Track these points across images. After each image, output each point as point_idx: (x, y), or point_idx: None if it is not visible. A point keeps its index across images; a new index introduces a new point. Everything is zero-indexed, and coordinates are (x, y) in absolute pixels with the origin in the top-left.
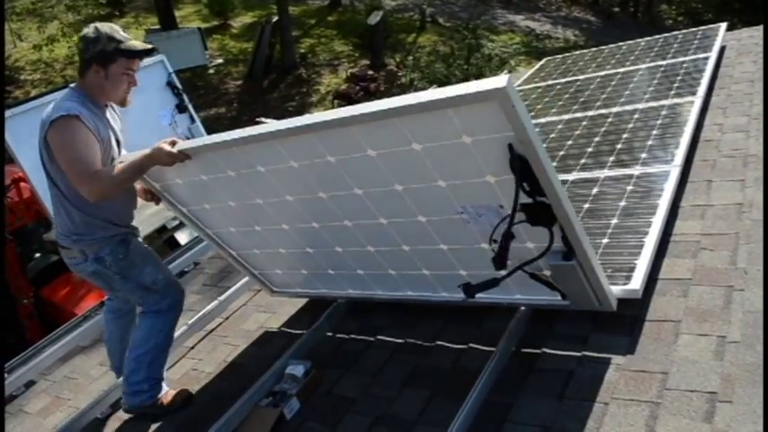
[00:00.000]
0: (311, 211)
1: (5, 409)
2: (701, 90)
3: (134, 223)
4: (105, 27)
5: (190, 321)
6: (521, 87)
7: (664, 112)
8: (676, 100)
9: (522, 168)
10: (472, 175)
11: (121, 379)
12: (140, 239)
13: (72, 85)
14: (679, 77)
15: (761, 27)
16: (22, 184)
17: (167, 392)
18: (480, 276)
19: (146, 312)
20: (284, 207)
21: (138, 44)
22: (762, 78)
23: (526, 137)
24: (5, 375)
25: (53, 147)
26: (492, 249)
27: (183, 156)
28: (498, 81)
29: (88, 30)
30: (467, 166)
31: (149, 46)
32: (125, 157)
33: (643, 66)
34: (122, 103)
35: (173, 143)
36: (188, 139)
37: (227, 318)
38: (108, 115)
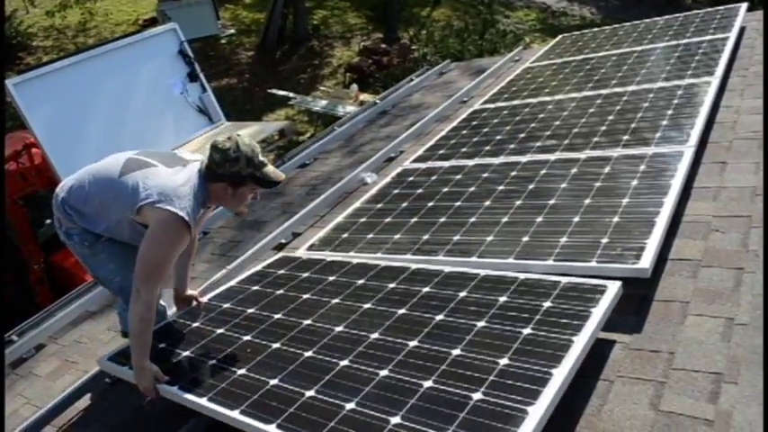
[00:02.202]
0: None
1: (16, 372)
2: (719, 71)
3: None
4: (246, 148)
5: (198, 289)
6: (535, 64)
7: (680, 92)
8: (693, 80)
9: None
10: None
11: None
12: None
13: (200, 169)
14: (697, 57)
15: None
16: (34, 150)
17: None
18: None
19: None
20: None
21: (272, 173)
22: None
23: None
24: (16, 338)
25: (153, 224)
26: None
27: (152, 394)
28: None
29: (228, 144)
30: None
31: (282, 176)
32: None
33: (660, 45)
34: (239, 215)
35: (158, 379)
36: (199, 108)
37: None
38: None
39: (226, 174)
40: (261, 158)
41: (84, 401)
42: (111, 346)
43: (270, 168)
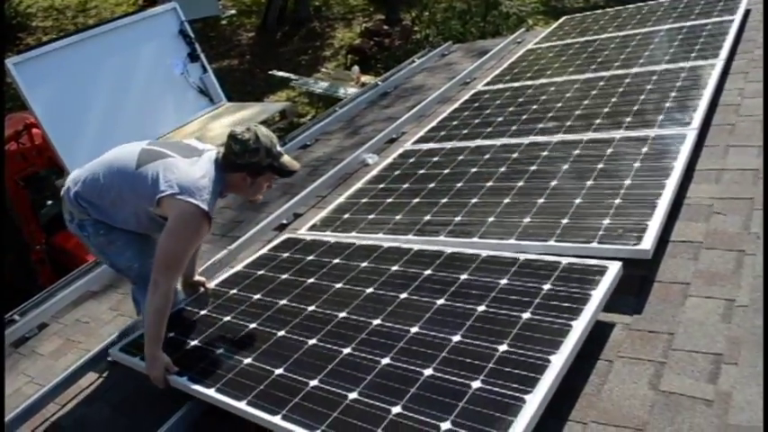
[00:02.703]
0: None
1: (18, 350)
2: (723, 53)
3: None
4: (265, 138)
5: (200, 269)
6: (538, 46)
7: (683, 75)
8: (697, 62)
9: None
10: None
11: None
12: None
13: (216, 159)
14: (701, 39)
15: None
16: (35, 130)
17: None
18: None
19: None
20: None
21: (289, 163)
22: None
23: None
24: (18, 318)
25: (173, 216)
26: None
27: (162, 384)
28: None
29: (248, 135)
30: None
31: (298, 166)
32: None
33: (665, 27)
34: (252, 203)
35: (168, 369)
36: (200, 89)
37: (232, 267)
38: None
39: (245, 164)
40: (278, 148)
41: (87, 380)
42: (113, 326)
43: (286, 158)
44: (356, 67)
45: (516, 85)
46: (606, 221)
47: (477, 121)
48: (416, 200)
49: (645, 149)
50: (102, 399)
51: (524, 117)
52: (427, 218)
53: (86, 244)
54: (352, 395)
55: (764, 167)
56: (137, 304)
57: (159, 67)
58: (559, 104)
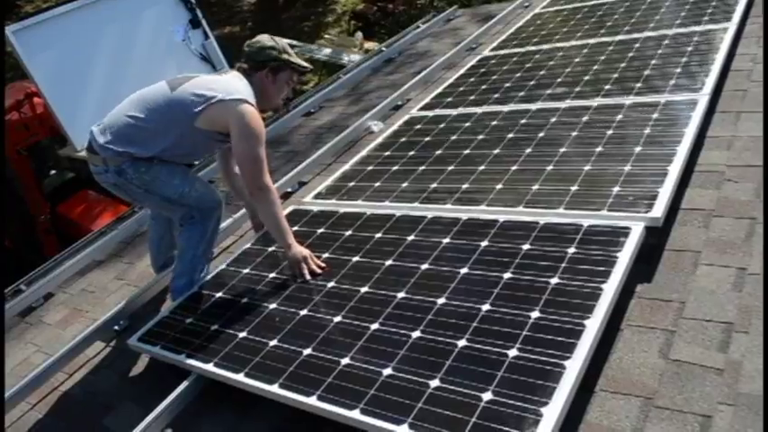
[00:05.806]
0: None
1: (26, 320)
2: (736, 17)
3: None
4: (278, 39)
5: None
6: (545, 10)
7: (695, 39)
8: (709, 26)
9: None
10: None
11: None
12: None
13: (239, 69)
14: (713, 3)
15: None
16: (36, 99)
17: None
18: None
19: (180, 225)
20: None
21: (302, 61)
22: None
23: None
24: (24, 288)
25: (235, 122)
26: None
27: (312, 264)
28: None
29: (259, 37)
30: None
31: (310, 66)
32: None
33: None
34: (276, 109)
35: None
36: (202, 56)
37: (241, 236)
38: None
39: (264, 59)
40: (291, 50)
41: (94, 349)
42: (119, 295)
43: (298, 58)
44: (359, 34)
45: (523, 50)
46: (616, 189)
47: (483, 87)
48: (423, 167)
49: (655, 115)
50: (109, 367)
51: (532, 83)
52: (434, 185)
53: (127, 191)
54: (387, 371)
55: (764, 133)
56: (186, 235)
57: (161, 34)
58: (568, 70)
